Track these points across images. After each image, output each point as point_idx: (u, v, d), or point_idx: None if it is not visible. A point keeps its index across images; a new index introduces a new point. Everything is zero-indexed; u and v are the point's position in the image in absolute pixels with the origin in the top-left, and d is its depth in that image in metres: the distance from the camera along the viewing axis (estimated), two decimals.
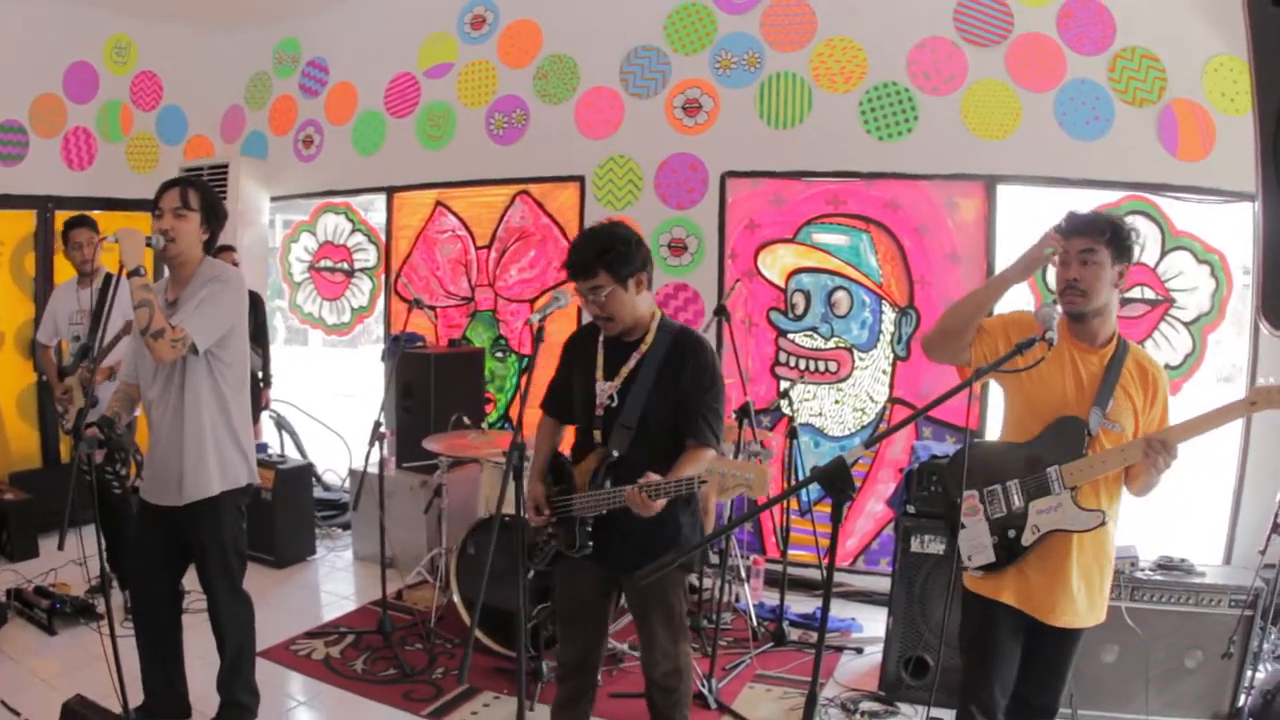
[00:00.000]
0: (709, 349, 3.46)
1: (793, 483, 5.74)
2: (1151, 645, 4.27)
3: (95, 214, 5.92)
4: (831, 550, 2.42)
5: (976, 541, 3.16)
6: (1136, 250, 3.17)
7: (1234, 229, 5.41)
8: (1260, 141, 2.01)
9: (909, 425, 5.96)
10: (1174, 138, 5.49)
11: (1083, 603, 3.10)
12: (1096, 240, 3.05)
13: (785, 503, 5.79)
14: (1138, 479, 3.05)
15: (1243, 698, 4.27)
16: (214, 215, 3.87)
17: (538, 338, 3.15)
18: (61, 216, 7.20)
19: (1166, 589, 4.30)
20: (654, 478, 3.12)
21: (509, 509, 3.03)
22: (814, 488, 2.39)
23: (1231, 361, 6.12)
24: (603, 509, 3.30)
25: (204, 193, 3.84)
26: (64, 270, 6.93)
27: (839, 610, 5.89)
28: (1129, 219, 5.44)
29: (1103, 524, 3.01)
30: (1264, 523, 4.28)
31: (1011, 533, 3.10)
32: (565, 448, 3.71)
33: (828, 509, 5.77)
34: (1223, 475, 5.57)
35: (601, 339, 3.50)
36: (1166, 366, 5.46)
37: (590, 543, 3.40)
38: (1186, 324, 5.51)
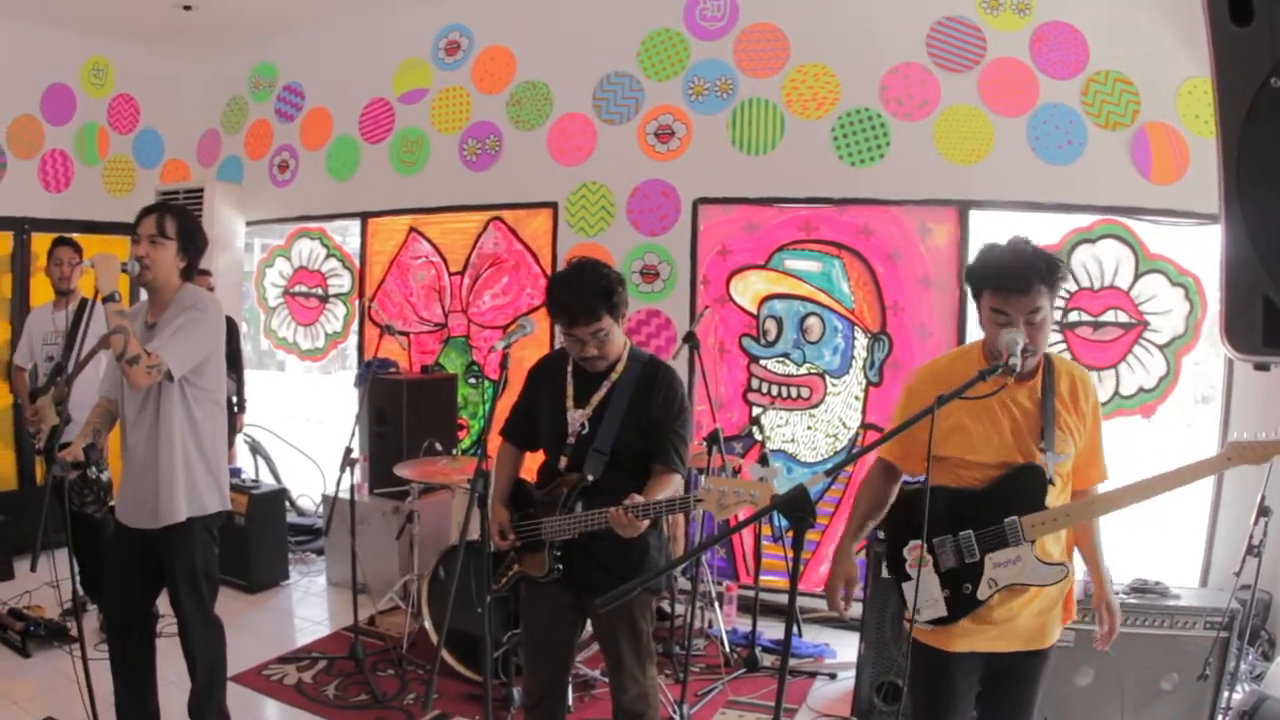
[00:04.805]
0: (677, 378, 3.51)
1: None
2: (1126, 668, 4.25)
3: (72, 237, 5.95)
4: (793, 575, 2.35)
5: (926, 595, 2.93)
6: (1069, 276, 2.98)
7: (1208, 251, 5.39)
8: (1223, 162, 2.01)
9: (874, 452, 5.97)
10: (1147, 161, 5.53)
11: (1038, 630, 2.97)
12: (1038, 295, 2.75)
13: (757, 529, 5.80)
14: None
15: (1219, 719, 4.27)
16: (192, 243, 3.87)
17: (503, 365, 3.17)
18: (38, 238, 7.26)
19: (1141, 612, 4.28)
20: (638, 498, 3.14)
21: (476, 535, 3.04)
22: None
23: (1210, 382, 6.16)
24: (573, 532, 3.32)
25: (182, 220, 3.85)
26: (41, 292, 6.95)
27: (812, 636, 5.88)
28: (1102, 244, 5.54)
29: (1066, 577, 2.86)
30: (1239, 544, 4.28)
31: (967, 587, 2.89)
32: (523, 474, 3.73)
33: None
34: (1199, 498, 5.58)
35: (570, 367, 3.51)
36: (1140, 390, 5.49)
37: (559, 565, 3.41)
38: (1160, 347, 5.52)
